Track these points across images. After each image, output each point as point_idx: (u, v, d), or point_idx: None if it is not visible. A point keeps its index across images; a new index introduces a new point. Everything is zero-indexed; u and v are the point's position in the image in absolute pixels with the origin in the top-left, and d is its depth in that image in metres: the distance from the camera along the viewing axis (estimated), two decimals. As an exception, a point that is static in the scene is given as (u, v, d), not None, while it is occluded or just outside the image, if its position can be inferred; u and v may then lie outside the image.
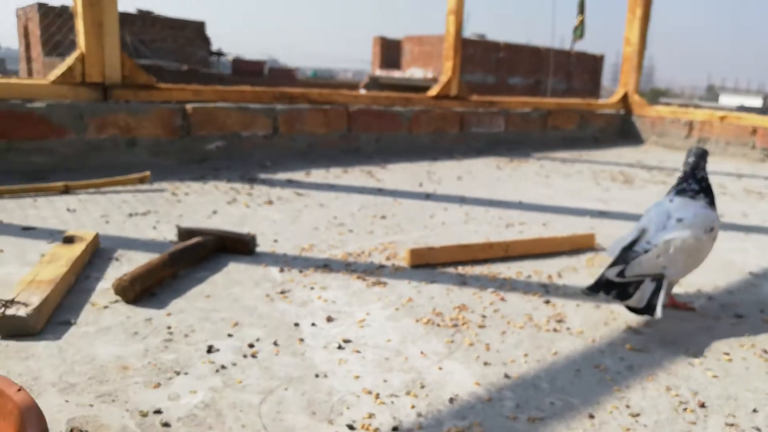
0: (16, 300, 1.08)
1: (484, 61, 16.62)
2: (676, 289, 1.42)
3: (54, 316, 1.12)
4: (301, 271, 1.44)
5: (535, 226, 1.99)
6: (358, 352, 1.06)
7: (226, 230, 1.59)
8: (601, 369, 1.05)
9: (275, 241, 1.66)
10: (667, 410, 0.93)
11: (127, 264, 1.40)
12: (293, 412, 0.87)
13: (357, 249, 1.64)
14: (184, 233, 1.54)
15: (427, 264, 1.52)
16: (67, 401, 0.87)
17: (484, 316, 1.23)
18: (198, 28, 18.15)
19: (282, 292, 1.31)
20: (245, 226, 1.77)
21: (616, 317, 1.27)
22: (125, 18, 15.10)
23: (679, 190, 1.29)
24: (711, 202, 1.28)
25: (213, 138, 2.73)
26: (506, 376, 1.00)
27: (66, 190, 2.01)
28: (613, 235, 1.89)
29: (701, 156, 1.30)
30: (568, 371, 1.03)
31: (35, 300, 1.08)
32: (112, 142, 2.45)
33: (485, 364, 1.04)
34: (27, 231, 1.60)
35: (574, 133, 4.49)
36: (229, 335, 1.09)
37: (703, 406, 0.95)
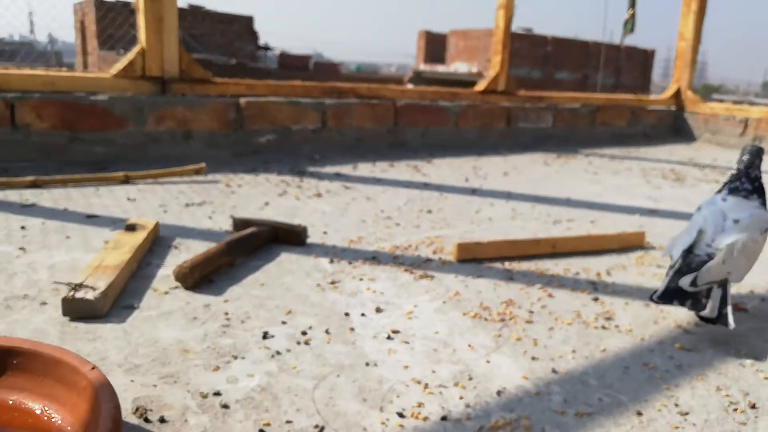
0: (84, 284, 1.14)
1: (531, 55, 16.40)
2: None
3: (118, 300, 1.18)
4: (350, 263, 1.47)
5: (583, 224, 1.98)
6: (406, 342, 1.09)
7: (279, 221, 1.64)
8: (650, 367, 1.05)
9: (325, 233, 1.70)
10: (717, 410, 0.93)
11: (185, 252, 1.46)
12: (345, 399, 0.91)
13: (404, 242, 1.66)
14: (239, 223, 1.59)
15: (474, 259, 1.54)
16: (132, 381, 0.92)
17: (531, 312, 1.24)
18: (246, 22, 18.43)
19: (332, 283, 1.34)
20: (296, 218, 1.82)
21: (665, 316, 1.26)
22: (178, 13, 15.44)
23: (732, 188, 1.26)
24: (763, 202, 1.26)
25: (264, 131, 2.80)
26: (554, 371, 1.01)
27: (126, 180, 2.10)
28: (663, 234, 1.86)
29: (756, 154, 1.27)
30: (617, 368, 1.04)
31: (102, 284, 1.14)
32: (169, 134, 2.54)
33: (533, 358, 1.05)
34: (91, 219, 1.69)
35: (623, 130, 4.41)
36: (283, 322, 1.13)
37: (753, 407, 0.94)
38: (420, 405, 0.90)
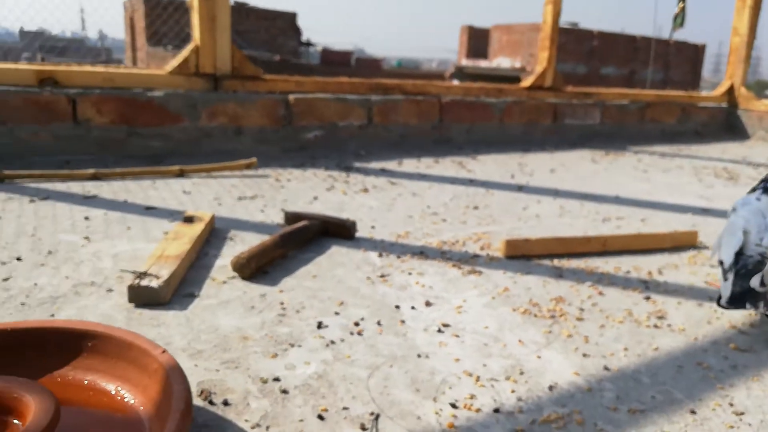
0: (148, 272, 1.19)
1: (576, 50, 16.12)
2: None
3: (179, 289, 1.23)
4: (398, 257, 1.49)
5: (632, 222, 1.96)
6: (457, 336, 1.11)
7: (328, 215, 1.67)
8: (704, 367, 1.04)
9: (372, 227, 1.73)
10: (775, 412, 0.92)
11: (240, 244, 1.51)
12: (399, 388, 0.93)
13: (451, 238, 1.68)
14: (291, 217, 1.63)
15: (523, 255, 1.54)
16: (196, 365, 0.96)
17: (581, 309, 1.25)
18: (290, 19, 18.64)
19: (382, 276, 1.37)
20: (344, 212, 1.85)
21: (719, 316, 1.24)
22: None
23: (766, 188, 1.27)
24: None
25: (312, 127, 2.85)
26: (606, 368, 1.02)
27: (181, 174, 2.17)
28: (716, 234, 1.83)
29: None
30: (670, 367, 1.03)
31: (165, 273, 1.19)
32: (221, 130, 2.61)
33: (584, 355, 1.06)
34: (149, 210, 1.75)
35: (674, 127, 4.31)
36: (336, 313, 1.17)
37: (813, 410, 0.93)
38: (472, 397, 0.92)
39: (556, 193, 2.31)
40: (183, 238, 1.39)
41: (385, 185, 2.27)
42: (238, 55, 2.64)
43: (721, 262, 1.21)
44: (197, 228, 1.47)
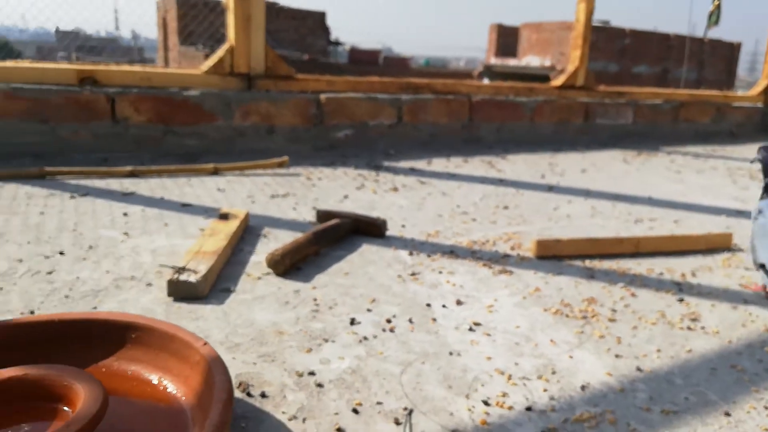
0: (186, 268, 1.23)
1: (607, 48, 15.88)
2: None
3: (216, 284, 1.26)
4: (428, 256, 1.51)
5: (665, 223, 1.94)
6: (488, 335, 1.12)
7: (359, 214, 1.69)
8: (738, 369, 1.03)
9: (403, 226, 1.75)
10: (811, 416, 0.91)
11: (273, 241, 1.54)
12: (431, 384, 0.94)
13: (481, 237, 1.68)
14: (323, 215, 1.66)
15: (554, 256, 1.54)
16: (234, 358, 0.99)
17: (614, 310, 1.24)
18: (319, 18, 18.72)
19: (412, 274, 1.38)
20: (374, 211, 1.87)
21: (754, 319, 1.23)
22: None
23: None
24: None
25: (343, 126, 2.87)
26: (638, 369, 1.02)
27: (215, 172, 2.22)
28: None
29: None
30: (703, 369, 1.03)
31: (202, 268, 1.23)
32: (254, 128, 2.65)
33: (616, 356, 1.06)
34: (185, 207, 1.79)
35: (708, 127, 4.24)
36: (368, 310, 1.18)
37: None
38: (504, 395, 0.93)
39: (587, 193, 2.30)
40: (219, 235, 1.42)
41: (414, 184, 2.28)
42: (272, 55, 2.68)
43: (762, 266, 1.21)
44: (232, 225, 1.50)
